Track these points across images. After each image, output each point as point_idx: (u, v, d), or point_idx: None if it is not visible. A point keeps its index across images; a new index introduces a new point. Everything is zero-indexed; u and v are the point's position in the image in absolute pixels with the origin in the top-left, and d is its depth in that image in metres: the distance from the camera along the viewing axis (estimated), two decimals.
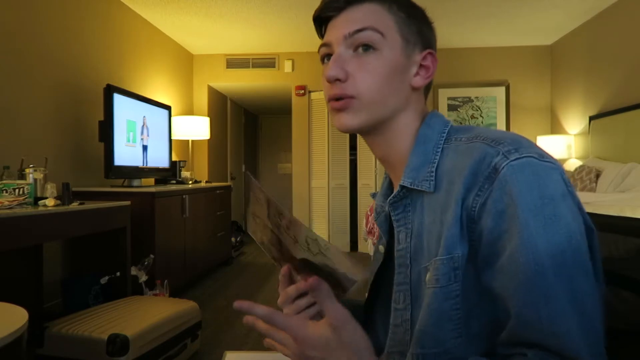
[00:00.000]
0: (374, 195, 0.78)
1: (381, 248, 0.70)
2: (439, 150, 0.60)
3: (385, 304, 0.67)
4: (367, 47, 0.60)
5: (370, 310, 0.74)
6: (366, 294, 0.74)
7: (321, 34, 0.68)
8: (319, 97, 4.86)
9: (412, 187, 0.60)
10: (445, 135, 0.61)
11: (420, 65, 0.64)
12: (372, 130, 0.63)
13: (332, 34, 0.63)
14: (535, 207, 0.48)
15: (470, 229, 0.52)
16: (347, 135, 4.74)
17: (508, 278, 0.48)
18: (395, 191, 0.63)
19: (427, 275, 0.55)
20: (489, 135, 0.55)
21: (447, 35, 4.32)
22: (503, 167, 0.49)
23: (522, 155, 0.50)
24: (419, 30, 0.64)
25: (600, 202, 2.52)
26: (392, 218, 0.63)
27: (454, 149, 0.59)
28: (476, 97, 4.73)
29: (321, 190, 4.97)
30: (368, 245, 3.27)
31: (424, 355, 0.56)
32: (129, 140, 3.00)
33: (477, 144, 0.54)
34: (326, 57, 0.65)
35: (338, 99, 0.61)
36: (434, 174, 0.58)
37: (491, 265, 0.50)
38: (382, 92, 0.60)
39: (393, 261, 0.64)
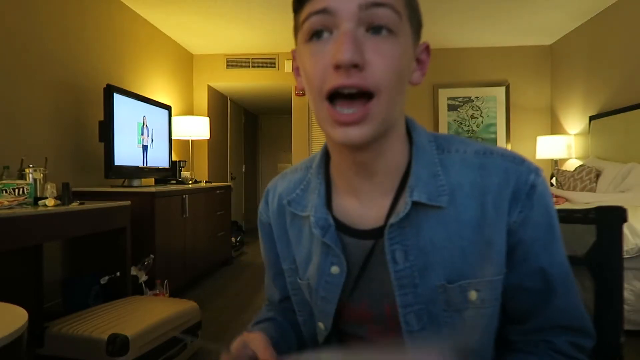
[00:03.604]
0: (299, 206, 0.64)
1: (335, 269, 0.60)
2: (437, 161, 0.58)
3: (359, 327, 0.63)
4: (382, 28, 0.49)
5: (331, 340, 0.65)
6: (322, 325, 0.64)
7: None
8: None
9: (429, 203, 0.55)
10: (434, 144, 0.60)
11: (417, 60, 0.57)
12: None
13: (338, 0, 0.49)
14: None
15: (507, 242, 0.57)
16: None
17: (545, 277, 0.57)
18: (405, 208, 0.55)
19: (471, 295, 0.55)
20: (496, 150, 0.58)
21: (447, 35, 4.31)
22: (538, 185, 0.56)
23: (541, 172, 0.57)
24: (419, 17, 0.56)
25: (600, 202, 2.52)
26: (386, 236, 0.56)
27: (459, 161, 0.57)
28: (476, 97, 4.72)
29: None
30: None
31: None
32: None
33: (496, 161, 0.57)
34: (324, 31, 0.50)
35: (351, 95, 0.49)
36: (446, 188, 0.56)
37: (522, 267, 0.57)
38: (398, 88, 0.51)
39: (355, 283, 0.60)
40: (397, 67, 0.50)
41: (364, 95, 0.49)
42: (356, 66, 0.47)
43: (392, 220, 0.55)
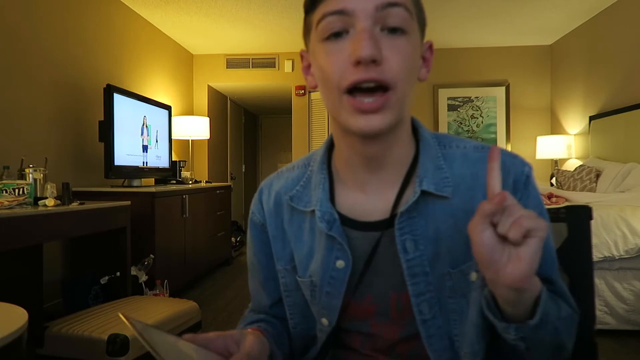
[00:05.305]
0: (301, 202, 0.65)
1: (340, 263, 0.61)
2: (440, 155, 0.61)
3: (361, 323, 0.63)
4: (397, 28, 0.52)
5: (335, 336, 0.65)
6: (325, 321, 0.64)
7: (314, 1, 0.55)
8: (318, 97, 4.85)
9: (436, 192, 0.58)
10: (436, 140, 0.64)
11: (422, 57, 0.60)
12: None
13: (355, 1, 0.51)
14: None
15: None
16: None
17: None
18: (414, 196, 0.58)
19: (472, 276, 0.58)
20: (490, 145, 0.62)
21: (447, 35, 4.31)
22: (531, 176, 0.61)
23: (531, 165, 0.62)
24: (424, 17, 0.59)
25: (600, 202, 2.52)
26: (396, 226, 0.58)
27: (460, 156, 0.61)
28: (476, 97, 4.73)
29: None
30: None
31: (484, 347, 0.58)
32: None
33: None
34: (341, 31, 0.53)
35: (369, 89, 0.51)
36: (450, 180, 0.59)
37: None
38: (410, 82, 0.54)
39: (360, 276, 0.60)
40: (409, 63, 0.53)
41: (381, 88, 0.52)
42: (374, 61, 0.50)
43: (402, 208, 0.58)
